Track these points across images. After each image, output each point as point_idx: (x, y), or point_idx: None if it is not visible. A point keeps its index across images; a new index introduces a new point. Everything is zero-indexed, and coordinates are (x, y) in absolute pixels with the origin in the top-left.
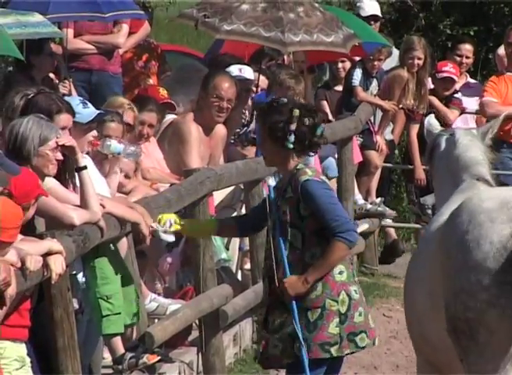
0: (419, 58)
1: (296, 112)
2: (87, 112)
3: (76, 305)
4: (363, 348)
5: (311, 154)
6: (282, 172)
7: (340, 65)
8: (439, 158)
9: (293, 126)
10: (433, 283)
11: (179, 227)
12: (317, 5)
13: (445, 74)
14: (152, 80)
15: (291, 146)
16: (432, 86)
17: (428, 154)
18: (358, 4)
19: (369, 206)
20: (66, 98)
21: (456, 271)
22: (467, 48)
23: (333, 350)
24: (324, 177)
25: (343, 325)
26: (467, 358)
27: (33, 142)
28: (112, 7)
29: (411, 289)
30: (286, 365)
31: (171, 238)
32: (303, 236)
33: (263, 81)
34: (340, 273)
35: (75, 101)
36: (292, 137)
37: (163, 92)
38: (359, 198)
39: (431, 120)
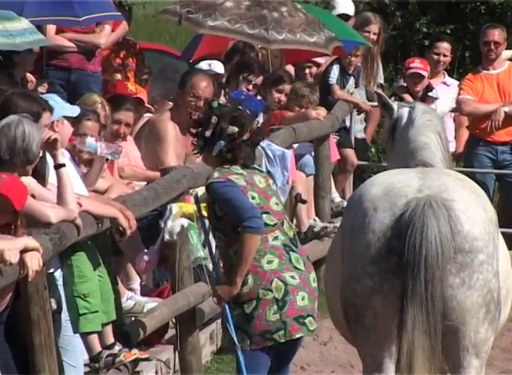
0: (374, 33)
1: (214, 119)
2: (73, 107)
3: (53, 305)
4: (313, 331)
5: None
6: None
7: (307, 70)
8: (399, 135)
9: (207, 133)
10: (337, 265)
11: None
12: (299, 6)
13: (412, 70)
14: (130, 77)
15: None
16: (404, 84)
17: (390, 126)
18: (332, 2)
19: (346, 204)
20: (48, 94)
21: (346, 256)
22: (444, 47)
23: (277, 336)
24: (234, 176)
25: (282, 310)
26: (356, 340)
27: (38, 145)
28: (87, 9)
29: (326, 268)
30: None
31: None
32: (224, 235)
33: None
34: (269, 262)
35: (57, 97)
36: (201, 141)
37: (131, 87)
38: (336, 196)
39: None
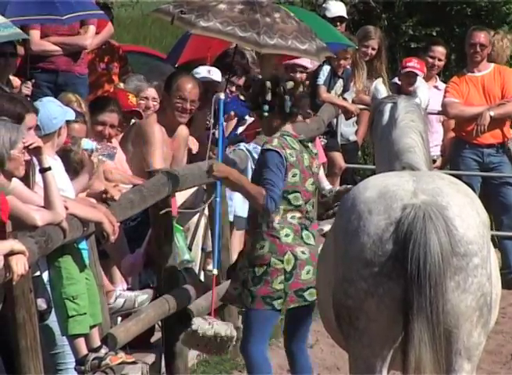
0: (373, 49)
1: (268, 83)
2: (69, 110)
3: (44, 305)
4: (312, 302)
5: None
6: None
7: (298, 75)
8: (382, 135)
9: (268, 97)
10: (329, 268)
11: None
12: (292, 14)
13: (407, 69)
14: (115, 81)
15: (266, 114)
16: (399, 82)
17: (370, 120)
18: (324, 5)
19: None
20: (48, 97)
21: (339, 259)
22: (440, 51)
23: (276, 303)
24: (288, 151)
25: (287, 282)
26: (347, 343)
27: (5, 146)
28: (69, 8)
29: (318, 272)
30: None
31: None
32: None
33: None
34: (286, 235)
35: (57, 101)
36: (266, 107)
37: (132, 99)
38: (326, 184)
39: (378, 86)
